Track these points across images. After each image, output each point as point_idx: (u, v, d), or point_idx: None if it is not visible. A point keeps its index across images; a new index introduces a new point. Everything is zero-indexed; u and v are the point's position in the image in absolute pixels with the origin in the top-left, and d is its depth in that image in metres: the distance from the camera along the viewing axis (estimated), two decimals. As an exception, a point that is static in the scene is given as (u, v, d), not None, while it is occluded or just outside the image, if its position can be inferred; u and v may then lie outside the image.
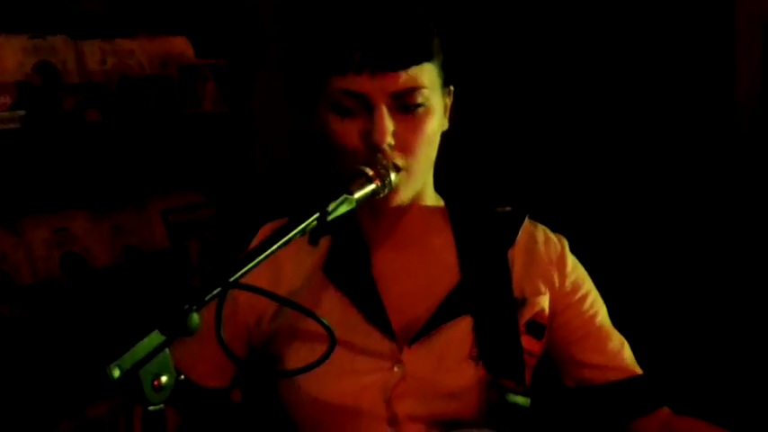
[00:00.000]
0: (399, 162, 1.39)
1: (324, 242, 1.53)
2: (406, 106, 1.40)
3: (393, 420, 1.44)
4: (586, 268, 1.62)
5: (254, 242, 1.50)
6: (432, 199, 1.55)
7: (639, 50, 3.36)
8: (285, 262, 1.50)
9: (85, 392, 2.26)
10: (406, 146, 1.40)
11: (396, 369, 1.45)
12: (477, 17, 3.65)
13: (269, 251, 1.21)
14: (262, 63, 2.90)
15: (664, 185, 3.34)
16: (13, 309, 2.41)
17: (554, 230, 1.62)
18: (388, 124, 1.38)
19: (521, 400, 1.47)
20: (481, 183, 1.62)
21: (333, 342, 1.22)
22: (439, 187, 1.57)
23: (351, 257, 1.51)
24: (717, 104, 3.22)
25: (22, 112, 2.41)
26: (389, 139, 1.38)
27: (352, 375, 1.44)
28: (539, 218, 1.62)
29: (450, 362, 1.46)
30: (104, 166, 2.75)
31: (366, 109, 1.39)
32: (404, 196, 1.43)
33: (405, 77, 1.38)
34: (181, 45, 2.84)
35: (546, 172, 3.57)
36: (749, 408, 2.69)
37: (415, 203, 1.50)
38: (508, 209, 1.59)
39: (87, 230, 2.64)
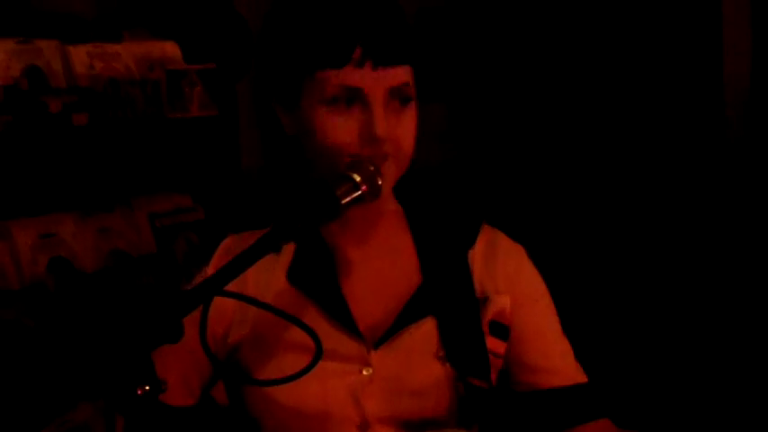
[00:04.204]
0: (391, 151, 1.41)
1: (286, 250, 1.51)
2: (399, 101, 1.41)
3: (364, 424, 1.45)
4: (562, 269, 1.64)
5: (216, 255, 1.53)
6: (391, 202, 1.56)
7: (626, 51, 3.38)
8: (248, 273, 1.44)
9: (70, 396, 2.26)
10: (397, 139, 1.41)
11: (364, 372, 1.45)
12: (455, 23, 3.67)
13: (255, 258, 1.23)
14: (249, 67, 2.91)
15: (650, 187, 3.36)
16: (0, 313, 2.41)
17: (531, 227, 1.64)
18: (386, 115, 1.39)
19: (488, 398, 1.48)
20: (440, 185, 1.62)
21: (319, 349, 1.25)
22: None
23: (316, 263, 1.50)
24: (705, 103, 3.24)
25: (8, 117, 2.41)
26: (387, 132, 1.39)
27: (321, 380, 1.43)
28: (512, 218, 1.66)
29: (418, 362, 1.47)
30: (91, 170, 2.76)
31: (360, 102, 1.39)
32: (388, 187, 1.44)
33: (400, 72, 1.41)
34: (169, 49, 2.85)
35: (527, 168, 3.59)
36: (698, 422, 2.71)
37: (376, 207, 1.49)
38: (463, 213, 1.60)
39: (74, 234, 2.65)
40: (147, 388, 1.10)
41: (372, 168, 1.36)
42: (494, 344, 1.52)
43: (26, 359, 2.38)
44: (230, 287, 1.35)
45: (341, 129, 1.39)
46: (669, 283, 3.20)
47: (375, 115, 1.38)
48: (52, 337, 2.42)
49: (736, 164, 3.14)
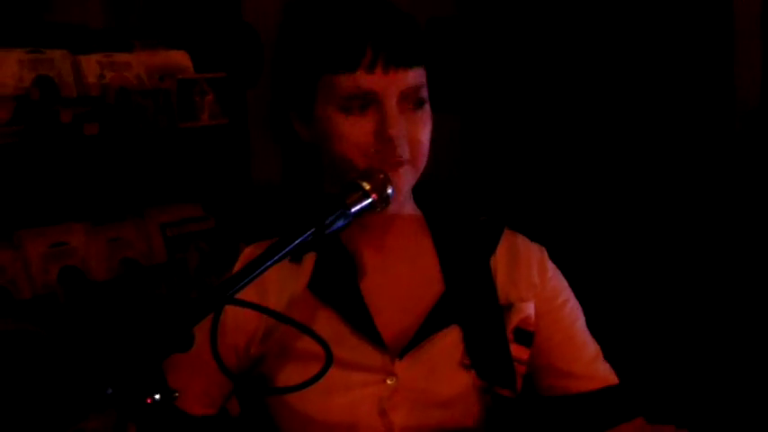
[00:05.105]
0: (407, 155, 1.41)
1: (307, 260, 1.52)
2: (412, 103, 1.42)
3: None
4: (581, 274, 1.64)
5: (238, 265, 1.50)
6: (411, 208, 1.56)
7: (639, 52, 3.39)
8: (269, 284, 1.48)
9: (82, 406, 2.26)
10: (413, 140, 1.42)
11: (389, 381, 1.44)
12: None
13: (264, 267, 1.22)
14: (259, 75, 2.91)
15: (661, 188, 3.36)
16: (11, 322, 2.42)
17: (547, 234, 1.63)
18: (400, 118, 1.40)
19: (514, 406, 1.48)
20: (460, 191, 1.62)
21: (329, 357, 1.24)
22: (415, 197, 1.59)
23: (337, 272, 1.50)
24: (716, 103, 3.25)
25: (20, 127, 2.41)
26: (402, 132, 1.40)
27: (346, 391, 1.44)
28: (527, 226, 1.64)
29: (443, 371, 1.46)
30: (102, 180, 2.78)
31: (374, 105, 1.40)
32: (405, 190, 1.46)
33: (412, 75, 1.41)
34: (179, 58, 2.86)
35: (540, 176, 3.60)
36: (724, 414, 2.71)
37: (397, 213, 1.51)
38: (483, 218, 1.60)
39: (85, 244, 2.65)
40: (158, 397, 1.10)
41: (382, 176, 1.36)
42: (518, 351, 1.52)
43: (37, 368, 2.37)
44: (251, 297, 1.35)
45: (355, 131, 1.40)
46: (688, 282, 3.21)
47: (388, 116, 1.39)
48: (63, 346, 2.42)
49: (747, 172, 3.15)
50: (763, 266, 3.04)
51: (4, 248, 2.51)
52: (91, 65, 2.64)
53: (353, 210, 1.31)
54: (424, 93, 1.44)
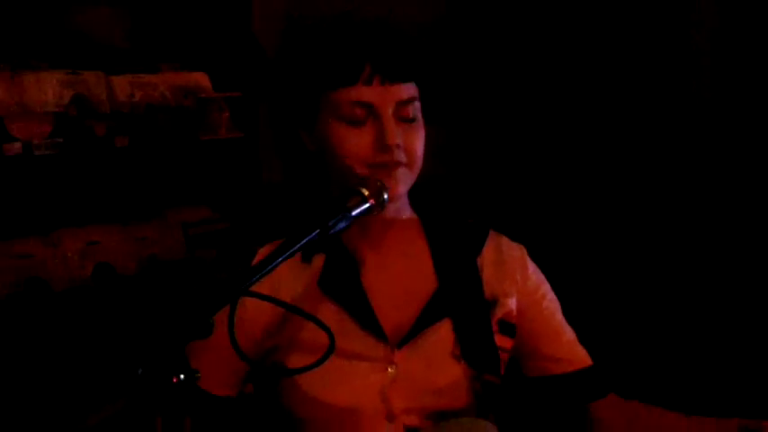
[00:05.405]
0: (404, 160, 1.49)
1: (317, 259, 1.57)
2: (406, 115, 1.49)
3: (390, 415, 1.52)
4: (560, 271, 1.75)
5: (256, 261, 1.48)
6: (408, 212, 1.64)
7: (624, 61, 3.31)
8: (281, 280, 1.53)
9: (117, 384, 2.28)
10: (408, 149, 1.49)
11: (390, 370, 1.52)
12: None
13: (275, 263, 1.29)
14: (268, 94, 3.02)
15: (634, 191, 3.34)
16: (50, 313, 2.55)
17: (528, 233, 1.74)
18: (396, 127, 1.48)
19: (502, 392, 1.58)
20: (451, 197, 1.81)
21: (332, 342, 1.32)
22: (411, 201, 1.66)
23: (342, 271, 1.56)
24: (673, 98, 3.22)
25: (59, 140, 2.55)
26: (399, 141, 1.47)
27: (352, 379, 1.51)
28: (510, 227, 1.72)
29: (437, 360, 1.54)
30: (132, 185, 2.90)
31: (373, 117, 1.47)
32: (402, 190, 1.52)
33: (407, 88, 1.49)
34: (200, 79, 2.95)
35: (524, 181, 3.53)
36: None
37: (396, 217, 1.59)
38: (471, 221, 1.68)
39: (116, 242, 2.76)
40: (182, 376, 1.18)
41: (379, 184, 1.44)
42: (502, 341, 1.61)
43: (72, 354, 2.50)
44: (265, 292, 1.39)
45: (356, 142, 1.48)
46: (657, 275, 3.22)
47: (386, 126, 1.46)
48: (97, 333, 2.54)
49: (703, 164, 3.15)
50: (726, 252, 3.08)
51: (45, 245, 2.63)
52: (122, 84, 2.74)
53: (354, 213, 1.38)
54: (417, 107, 1.51)
